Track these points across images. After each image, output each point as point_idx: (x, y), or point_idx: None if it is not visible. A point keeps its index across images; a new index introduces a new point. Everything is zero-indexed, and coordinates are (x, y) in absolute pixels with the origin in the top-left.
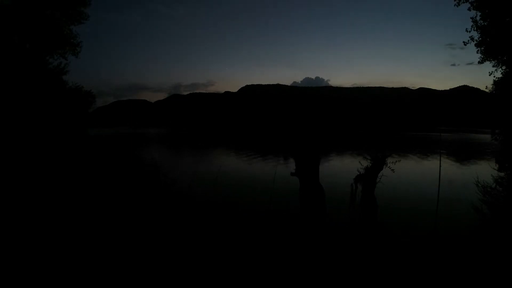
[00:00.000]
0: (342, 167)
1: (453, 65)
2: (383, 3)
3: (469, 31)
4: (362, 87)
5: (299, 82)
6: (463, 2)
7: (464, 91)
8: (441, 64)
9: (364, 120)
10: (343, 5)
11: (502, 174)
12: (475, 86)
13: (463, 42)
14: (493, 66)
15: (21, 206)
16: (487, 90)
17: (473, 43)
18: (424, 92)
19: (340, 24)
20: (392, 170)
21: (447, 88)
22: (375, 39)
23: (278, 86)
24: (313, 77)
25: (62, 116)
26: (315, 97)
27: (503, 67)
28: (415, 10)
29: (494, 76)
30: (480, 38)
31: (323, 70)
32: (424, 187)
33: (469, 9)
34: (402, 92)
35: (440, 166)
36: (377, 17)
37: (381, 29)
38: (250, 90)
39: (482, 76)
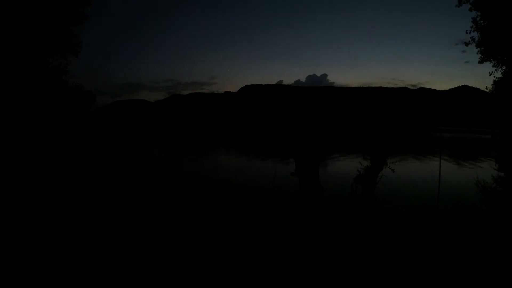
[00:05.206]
0: (342, 167)
1: (467, 62)
2: None
3: (469, 32)
4: (367, 86)
5: (303, 80)
6: (464, 3)
7: (464, 91)
8: (453, 62)
9: (365, 120)
10: (346, 3)
11: (502, 174)
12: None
13: (464, 42)
14: (493, 66)
15: (19, 203)
16: (487, 90)
17: (473, 44)
18: (424, 92)
19: (346, 21)
20: (392, 170)
21: (448, 88)
22: (384, 36)
23: (278, 86)
24: (319, 74)
25: (63, 117)
26: (317, 97)
27: (503, 67)
28: (425, 5)
29: (494, 76)
30: (480, 38)
31: (327, 69)
32: (424, 187)
33: (470, 10)
34: (403, 92)
35: (440, 166)
36: (385, 13)
37: (390, 26)
38: (250, 90)
39: (482, 76)
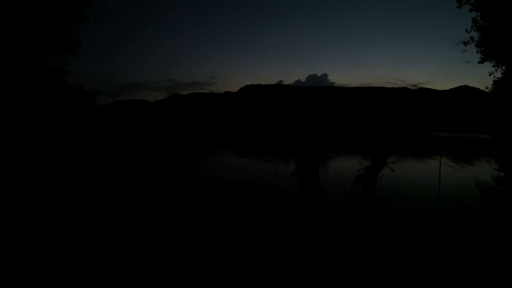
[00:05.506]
0: (342, 167)
1: (468, 62)
2: None
3: (469, 32)
4: (367, 86)
5: (304, 80)
6: (465, 3)
7: (464, 91)
8: (454, 62)
9: (365, 120)
10: (346, 3)
11: (502, 174)
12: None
13: (463, 42)
14: (493, 66)
15: (19, 203)
16: (487, 90)
17: (472, 43)
18: (424, 92)
19: (346, 21)
20: (392, 170)
21: (448, 88)
22: (384, 36)
23: (279, 86)
24: (319, 74)
25: (63, 117)
26: (317, 97)
27: (503, 67)
28: (425, 5)
29: (494, 76)
30: (480, 39)
31: (327, 69)
32: (424, 186)
33: (470, 10)
34: (403, 92)
35: (440, 166)
36: (385, 13)
37: (390, 26)
38: (250, 90)
39: (482, 76)
